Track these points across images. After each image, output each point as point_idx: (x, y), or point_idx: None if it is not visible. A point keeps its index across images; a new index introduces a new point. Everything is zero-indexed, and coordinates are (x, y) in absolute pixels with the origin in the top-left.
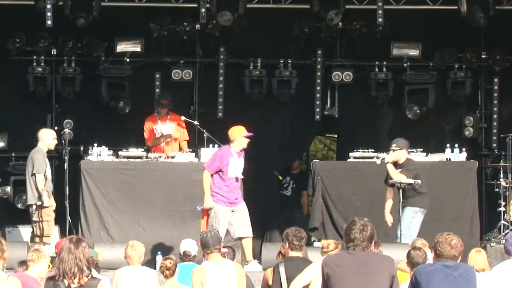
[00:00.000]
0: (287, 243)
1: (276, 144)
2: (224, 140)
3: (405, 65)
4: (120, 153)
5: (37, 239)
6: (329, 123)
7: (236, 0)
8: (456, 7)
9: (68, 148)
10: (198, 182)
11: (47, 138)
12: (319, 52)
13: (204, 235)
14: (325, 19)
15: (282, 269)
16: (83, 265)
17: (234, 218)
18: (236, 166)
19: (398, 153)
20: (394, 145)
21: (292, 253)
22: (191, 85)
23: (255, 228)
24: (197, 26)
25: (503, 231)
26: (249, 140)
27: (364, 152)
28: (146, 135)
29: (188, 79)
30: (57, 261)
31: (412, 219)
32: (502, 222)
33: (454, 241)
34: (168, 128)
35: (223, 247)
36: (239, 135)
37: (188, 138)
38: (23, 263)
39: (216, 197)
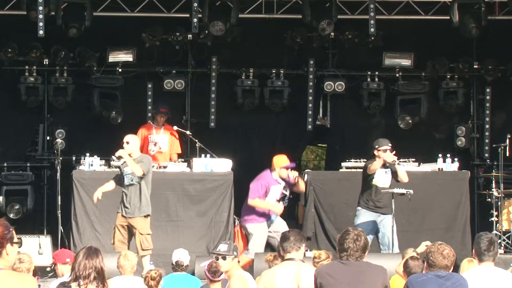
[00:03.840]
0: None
1: (268, 154)
2: (216, 149)
3: (397, 75)
4: (112, 163)
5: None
6: (321, 133)
7: (228, 10)
8: (448, 17)
9: (60, 158)
10: (190, 192)
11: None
12: (311, 62)
13: (235, 245)
14: (317, 29)
15: None
16: (100, 273)
17: (273, 229)
18: (276, 193)
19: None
20: (390, 144)
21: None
22: (183, 95)
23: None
24: (189, 36)
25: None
26: (288, 171)
27: (356, 162)
28: None
29: (180, 89)
30: (73, 265)
31: (394, 227)
32: (494, 232)
33: (446, 251)
34: (162, 137)
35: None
36: (278, 165)
37: (180, 151)
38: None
39: (251, 216)
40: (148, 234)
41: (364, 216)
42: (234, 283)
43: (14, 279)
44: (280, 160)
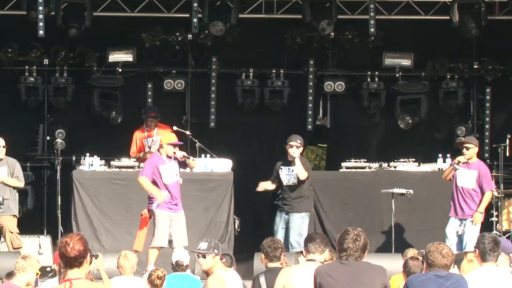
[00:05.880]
0: (263, 255)
1: (267, 154)
2: (216, 149)
3: (397, 75)
4: (112, 163)
5: None
6: (321, 133)
7: (228, 10)
8: (448, 17)
9: (60, 158)
10: (190, 192)
11: None
12: (311, 62)
13: (216, 242)
14: (317, 29)
15: (262, 280)
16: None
17: (173, 226)
18: (167, 172)
19: (301, 150)
20: (299, 141)
21: (271, 264)
22: (183, 95)
23: (246, 238)
24: (189, 36)
25: None
26: (174, 149)
27: (356, 162)
28: (133, 146)
29: (180, 89)
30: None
31: (302, 225)
32: (494, 232)
33: (445, 250)
34: (155, 139)
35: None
36: (164, 141)
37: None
38: (11, 274)
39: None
40: (18, 232)
41: (276, 216)
42: (211, 283)
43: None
44: (167, 138)
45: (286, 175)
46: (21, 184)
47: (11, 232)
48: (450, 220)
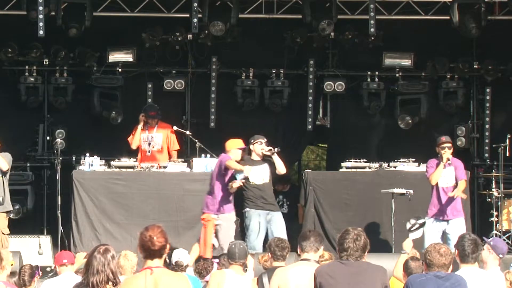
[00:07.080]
0: (269, 254)
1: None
2: (216, 149)
3: (397, 75)
4: (112, 163)
5: None
6: (321, 133)
7: (229, 10)
8: (448, 17)
9: (60, 158)
10: (190, 192)
11: None
12: (311, 62)
13: (233, 246)
14: (317, 29)
15: (265, 280)
16: (109, 274)
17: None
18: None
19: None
20: (264, 138)
21: (276, 263)
22: (183, 95)
23: None
24: (189, 36)
25: None
26: (242, 152)
27: (356, 162)
28: (134, 136)
29: (180, 89)
30: (84, 270)
31: (284, 222)
32: (494, 232)
33: (443, 249)
34: (155, 135)
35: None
36: (233, 146)
37: (178, 148)
38: (14, 274)
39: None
40: (8, 233)
41: (255, 216)
42: (212, 277)
43: (170, 277)
44: (234, 143)
45: (259, 174)
46: (5, 165)
47: (3, 233)
48: (429, 222)
